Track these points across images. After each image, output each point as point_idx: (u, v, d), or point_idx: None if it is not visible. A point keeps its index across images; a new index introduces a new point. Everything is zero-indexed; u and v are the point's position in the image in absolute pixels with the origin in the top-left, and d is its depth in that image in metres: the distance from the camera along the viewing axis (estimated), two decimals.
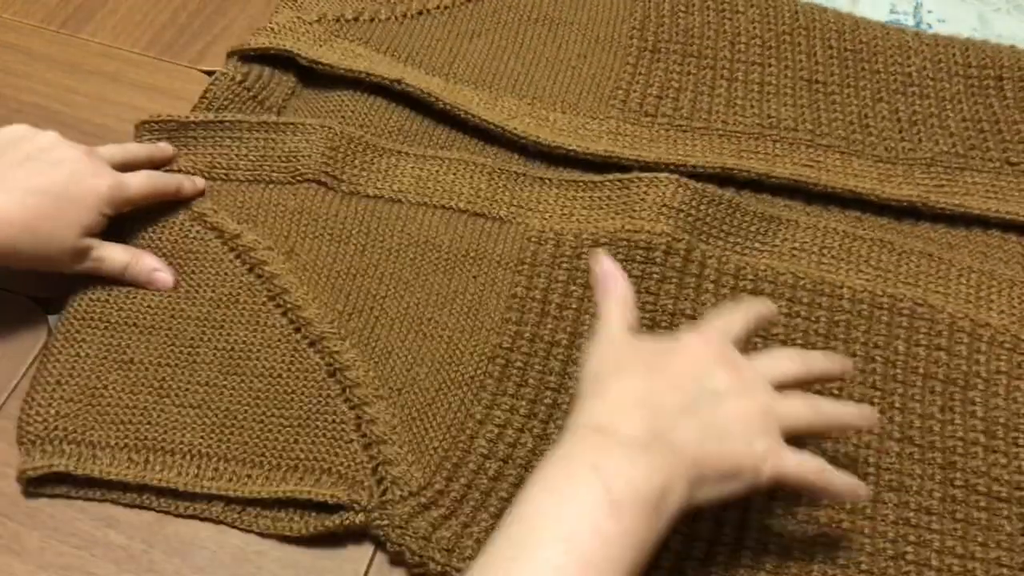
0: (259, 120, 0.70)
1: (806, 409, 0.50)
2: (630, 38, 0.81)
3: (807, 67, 0.78)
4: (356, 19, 0.79)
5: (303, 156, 0.68)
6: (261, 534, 0.56)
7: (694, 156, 0.71)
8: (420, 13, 0.81)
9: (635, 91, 0.77)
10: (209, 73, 0.77)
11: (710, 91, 0.77)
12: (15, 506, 0.56)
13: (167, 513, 0.56)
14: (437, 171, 0.69)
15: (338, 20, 0.78)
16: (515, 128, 0.72)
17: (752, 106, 0.76)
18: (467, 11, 0.82)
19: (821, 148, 0.73)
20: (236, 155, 0.69)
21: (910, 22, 0.86)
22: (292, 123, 0.70)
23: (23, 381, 0.61)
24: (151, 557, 0.55)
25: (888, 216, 0.70)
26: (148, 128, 0.69)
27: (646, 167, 0.71)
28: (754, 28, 0.81)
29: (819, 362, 0.54)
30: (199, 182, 0.67)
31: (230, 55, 0.75)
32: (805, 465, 0.48)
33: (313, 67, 0.74)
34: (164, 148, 0.68)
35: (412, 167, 0.70)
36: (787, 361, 0.52)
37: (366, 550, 0.56)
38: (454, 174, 0.69)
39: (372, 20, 0.79)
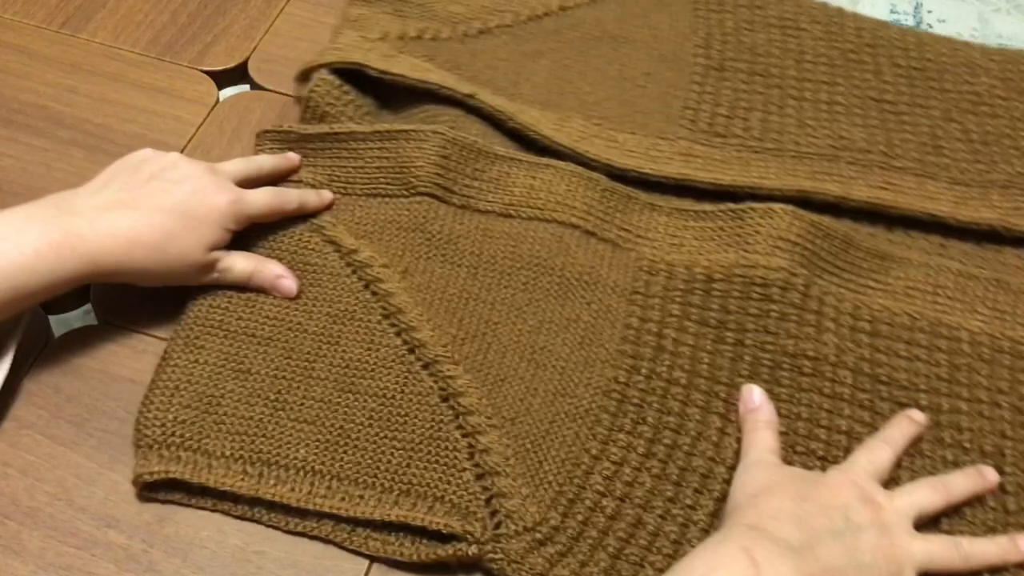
0: (373, 129, 0.69)
1: (945, 552, 0.53)
2: (695, 56, 0.80)
3: (875, 86, 0.78)
4: (419, 37, 0.77)
5: (416, 166, 0.67)
6: (264, 528, 0.56)
7: (769, 178, 0.71)
8: (482, 32, 0.80)
9: (704, 111, 0.76)
10: (209, 73, 0.77)
11: (779, 111, 0.76)
12: (15, 506, 0.56)
13: (275, 528, 0.56)
14: (551, 180, 0.68)
15: (401, 38, 0.77)
16: (586, 151, 0.71)
17: (823, 127, 0.75)
18: (529, 30, 0.81)
19: (895, 170, 0.73)
20: (353, 168, 0.69)
21: (910, 22, 0.86)
22: (405, 130, 0.69)
23: (25, 383, 0.61)
24: (151, 557, 0.55)
25: (970, 241, 0.70)
26: (269, 138, 0.69)
27: (722, 190, 0.70)
28: (819, 46, 0.80)
29: (960, 485, 0.56)
30: (326, 195, 0.67)
31: (301, 73, 0.74)
32: None
33: (383, 78, 0.72)
34: (291, 158, 0.68)
35: (524, 175, 0.69)
36: (927, 494, 0.55)
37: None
38: (567, 184, 0.68)
39: (435, 39, 0.78)
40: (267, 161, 0.66)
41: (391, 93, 0.74)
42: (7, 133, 0.73)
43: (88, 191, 0.59)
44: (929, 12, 0.86)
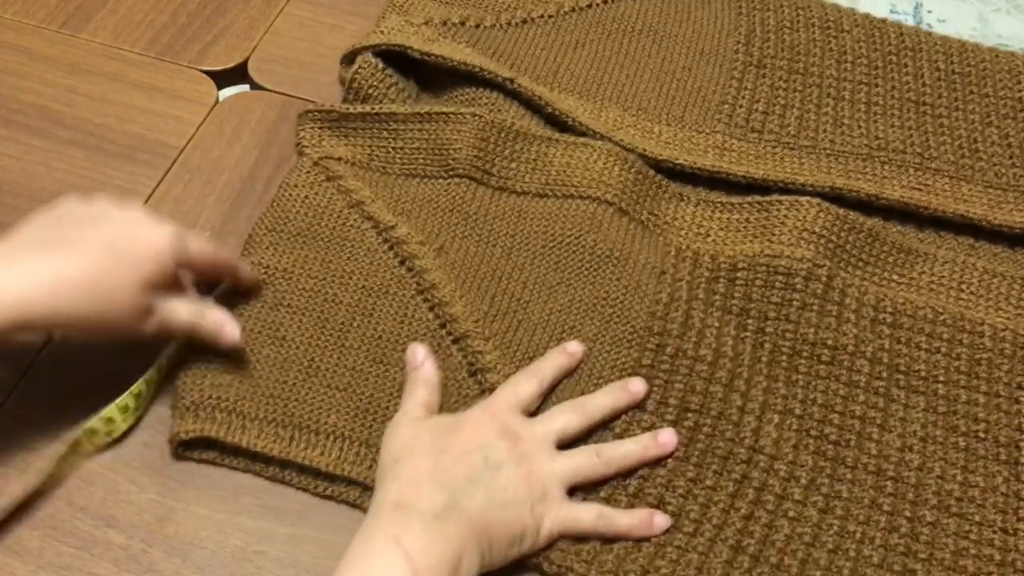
0: (413, 111, 0.71)
1: (588, 460, 0.55)
2: (735, 52, 0.80)
3: (914, 88, 0.78)
4: (462, 23, 0.79)
5: (455, 148, 0.69)
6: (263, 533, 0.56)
7: (802, 174, 0.71)
8: (524, 22, 0.81)
9: (741, 106, 0.76)
10: (209, 73, 0.78)
11: (816, 109, 0.76)
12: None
13: (305, 491, 0.57)
14: (587, 158, 0.69)
15: (444, 24, 0.78)
16: (621, 140, 0.72)
17: (859, 126, 0.75)
18: (571, 21, 0.82)
19: (930, 172, 0.73)
20: (392, 148, 0.70)
21: (910, 22, 0.86)
22: (444, 112, 0.70)
23: (22, 382, 0.60)
24: (151, 557, 0.55)
25: (1002, 243, 0.70)
26: (311, 118, 0.71)
27: (755, 184, 0.70)
28: (860, 47, 0.80)
29: (599, 404, 0.58)
30: (256, 280, 0.63)
31: (346, 56, 0.75)
32: (580, 516, 0.54)
33: (426, 60, 0.74)
34: (253, 287, 0.63)
35: (561, 154, 0.70)
36: (565, 415, 0.57)
37: None
38: (603, 162, 0.69)
39: (478, 26, 0.79)
40: (228, 259, 0.61)
41: (432, 77, 0.76)
42: (7, 133, 0.73)
43: (2, 239, 0.53)
44: (929, 12, 0.86)
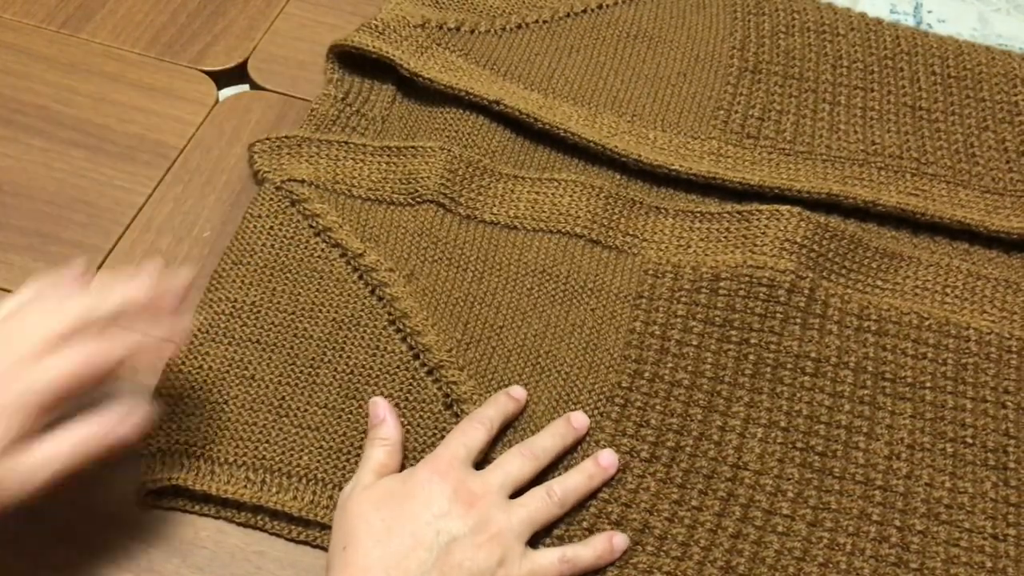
0: (380, 145, 0.70)
1: (542, 504, 0.54)
2: (730, 58, 0.80)
3: (910, 93, 0.77)
4: (458, 28, 0.79)
5: (422, 178, 0.68)
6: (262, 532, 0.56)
7: (799, 181, 0.71)
8: (519, 27, 0.81)
9: (737, 112, 0.76)
10: (209, 73, 0.77)
11: (812, 115, 0.76)
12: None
13: (279, 536, 0.56)
14: (553, 194, 0.69)
15: (441, 27, 0.78)
16: (616, 146, 0.72)
17: (855, 131, 0.75)
18: (566, 26, 0.81)
19: (927, 177, 0.72)
20: (358, 174, 0.69)
21: (910, 22, 0.85)
22: (412, 146, 0.70)
23: None
24: (151, 557, 0.54)
25: (998, 248, 0.69)
26: (267, 145, 0.69)
27: (751, 190, 0.70)
28: (856, 52, 0.80)
29: (546, 445, 0.56)
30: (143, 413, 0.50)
31: (332, 49, 0.75)
32: (544, 565, 0.52)
33: (414, 79, 0.74)
34: (182, 278, 0.52)
35: (528, 191, 0.69)
36: (517, 462, 0.55)
37: None
38: (570, 196, 0.68)
39: (473, 32, 0.79)
40: (141, 290, 0.49)
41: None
42: (7, 133, 0.72)
43: None
44: (929, 12, 0.85)
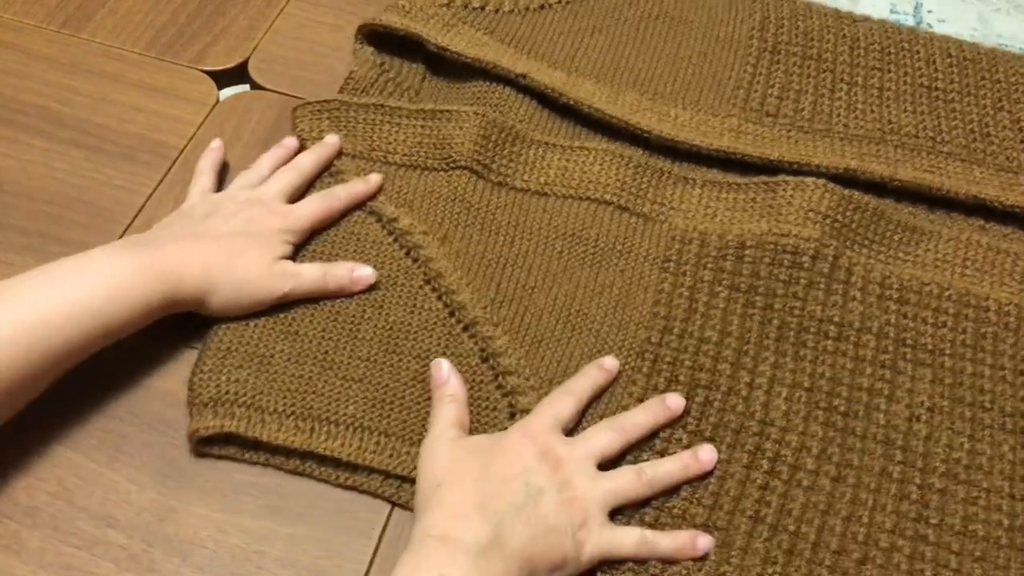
0: (416, 107, 0.72)
1: (630, 482, 0.55)
2: (750, 38, 0.81)
3: (926, 74, 0.79)
4: (482, 8, 0.80)
5: (456, 143, 0.70)
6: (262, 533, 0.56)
7: (817, 156, 0.72)
8: (542, 7, 0.82)
9: (756, 91, 0.77)
10: (209, 73, 0.78)
11: (830, 94, 0.77)
12: (15, 506, 0.56)
13: (326, 483, 0.57)
14: (584, 162, 0.70)
15: (466, 7, 0.80)
16: (638, 123, 0.73)
17: (872, 111, 0.76)
18: (588, 6, 0.83)
19: (942, 155, 0.74)
20: (393, 140, 0.71)
21: (910, 22, 0.86)
22: (447, 110, 0.71)
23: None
24: (151, 557, 0.55)
25: (1013, 224, 0.71)
26: (309, 110, 0.71)
27: (770, 165, 0.71)
28: (872, 35, 0.81)
29: (638, 421, 0.58)
30: (373, 180, 0.68)
31: (361, 30, 0.76)
32: (623, 540, 0.54)
33: (441, 53, 0.76)
34: (330, 145, 0.70)
35: (559, 159, 0.71)
36: (605, 436, 0.57)
37: (366, 551, 0.56)
38: (600, 164, 0.70)
39: (497, 11, 0.81)
40: (307, 163, 0.68)
41: (445, 61, 0.77)
42: (7, 133, 0.73)
43: (153, 233, 0.62)
44: (929, 12, 0.86)
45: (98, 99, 0.75)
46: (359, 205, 0.68)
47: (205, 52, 0.79)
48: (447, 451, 0.55)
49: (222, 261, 0.59)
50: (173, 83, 0.77)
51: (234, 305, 0.61)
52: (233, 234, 0.61)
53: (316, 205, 0.66)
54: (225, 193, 0.66)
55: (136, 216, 0.69)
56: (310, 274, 0.62)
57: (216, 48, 0.80)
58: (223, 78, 0.79)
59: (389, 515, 0.57)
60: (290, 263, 0.63)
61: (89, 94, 0.76)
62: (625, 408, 0.59)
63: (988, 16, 0.86)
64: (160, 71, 0.78)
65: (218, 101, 0.77)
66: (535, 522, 0.51)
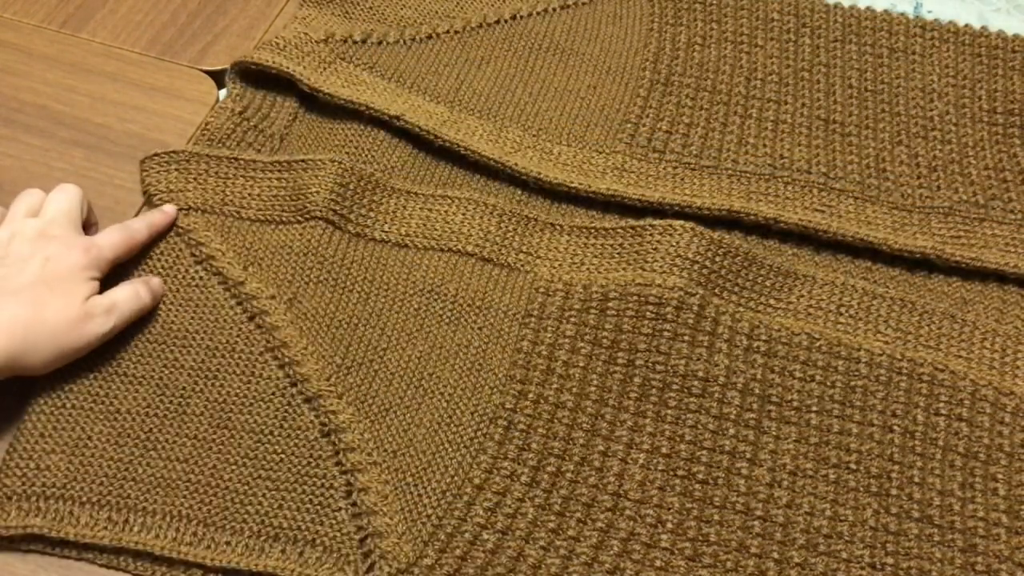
0: (271, 160, 0.68)
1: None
2: (643, 70, 0.78)
3: (824, 106, 0.76)
4: (364, 41, 0.77)
5: (311, 192, 0.66)
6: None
7: (700, 197, 0.69)
8: (429, 37, 0.79)
9: (644, 125, 0.74)
10: (210, 73, 0.77)
11: (722, 128, 0.75)
12: None
13: None
14: (446, 212, 0.67)
15: (345, 41, 0.77)
16: (517, 164, 0.70)
17: (764, 145, 0.73)
18: (477, 37, 0.80)
19: (834, 192, 0.71)
20: (247, 194, 0.67)
21: None
22: (303, 160, 0.68)
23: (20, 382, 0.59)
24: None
25: (901, 267, 0.68)
26: (157, 161, 0.68)
27: (651, 207, 0.69)
28: (772, 63, 0.78)
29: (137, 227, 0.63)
30: (169, 210, 0.66)
31: (233, 67, 0.74)
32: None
33: (314, 94, 0.73)
34: (167, 213, 0.66)
35: (420, 208, 0.67)
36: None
37: None
38: (463, 215, 0.67)
39: (380, 43, 0.78)
40: (141, 229, 0.64)
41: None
42: (7, 133, 0.73)
43: None
44: (929, 12, 0.84)
45: (98, 99, 0.75)
46: (161, 236, 0.65)
47: (205, 52, 0.79)
48: None
49: (29, 317, 0.55)
50: (173, 83, 0.77)
51: (58, 357, 0.56)
52: (33, 284, 0.56)
53: (117, 237, 0.62)
54: (10, 228, 0.60)
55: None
56: (125, 299, 0.60)
57: (216, 48, 0.79)
58: (223, 78, 0.77)
59: None
60: (101, 298, 0.59)
61: (89, 94, 0.76)
62: (471, 480, 0.56)
63: (988, 16, 0.84)
64: (160, 71, 0.78)
65: (218, 101, 0.76)
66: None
